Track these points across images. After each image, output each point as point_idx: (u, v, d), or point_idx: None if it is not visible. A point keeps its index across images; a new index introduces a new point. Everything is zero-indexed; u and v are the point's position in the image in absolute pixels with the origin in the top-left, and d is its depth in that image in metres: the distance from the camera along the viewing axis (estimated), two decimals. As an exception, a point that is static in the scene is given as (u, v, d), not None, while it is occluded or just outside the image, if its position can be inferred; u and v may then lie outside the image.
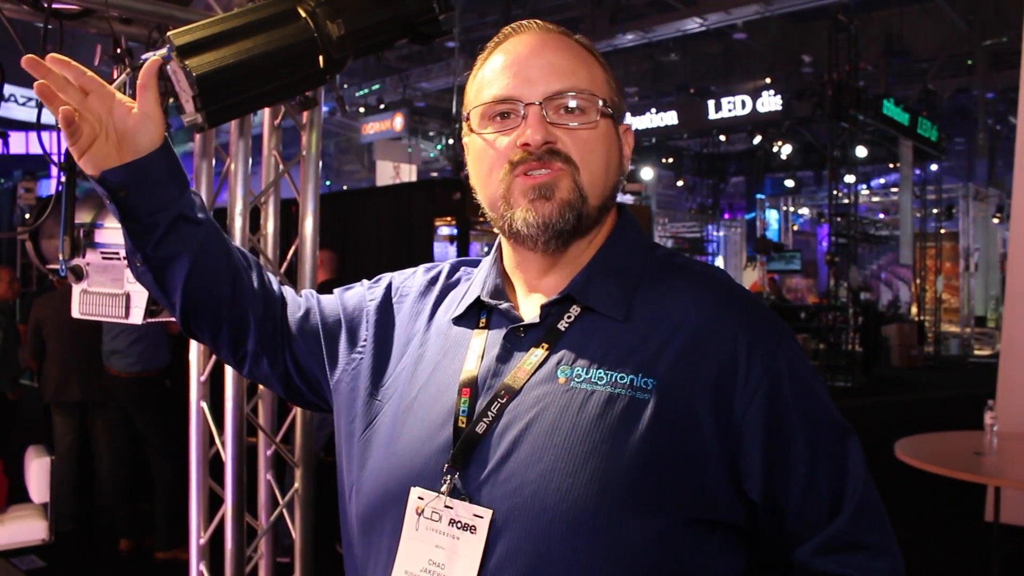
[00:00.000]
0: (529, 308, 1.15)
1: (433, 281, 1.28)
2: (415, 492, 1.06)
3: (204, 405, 2.77)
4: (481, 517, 1.01)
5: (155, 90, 1.15)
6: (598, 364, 1.05)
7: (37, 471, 4.04)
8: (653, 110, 18.56)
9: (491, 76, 1.13)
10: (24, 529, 4.02)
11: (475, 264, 1.28)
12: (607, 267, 1.13)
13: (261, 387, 2.93)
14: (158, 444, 5.10)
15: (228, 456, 2.72)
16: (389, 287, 1.30)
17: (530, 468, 1.00)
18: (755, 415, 1.02)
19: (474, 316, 1.18)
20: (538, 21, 1.17)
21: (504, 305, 1.15)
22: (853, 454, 1.07)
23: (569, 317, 1.10)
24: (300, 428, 2.95)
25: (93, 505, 5.64)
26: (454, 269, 1.29)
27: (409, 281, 1.30)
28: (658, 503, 0.98)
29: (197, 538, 2.79)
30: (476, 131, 1.14)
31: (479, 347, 1.13)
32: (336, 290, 1.34)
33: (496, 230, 1.16)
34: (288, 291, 1.33)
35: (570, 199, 1.08)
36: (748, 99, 16.90)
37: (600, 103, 1.11)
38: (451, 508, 1.03)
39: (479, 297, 1.18)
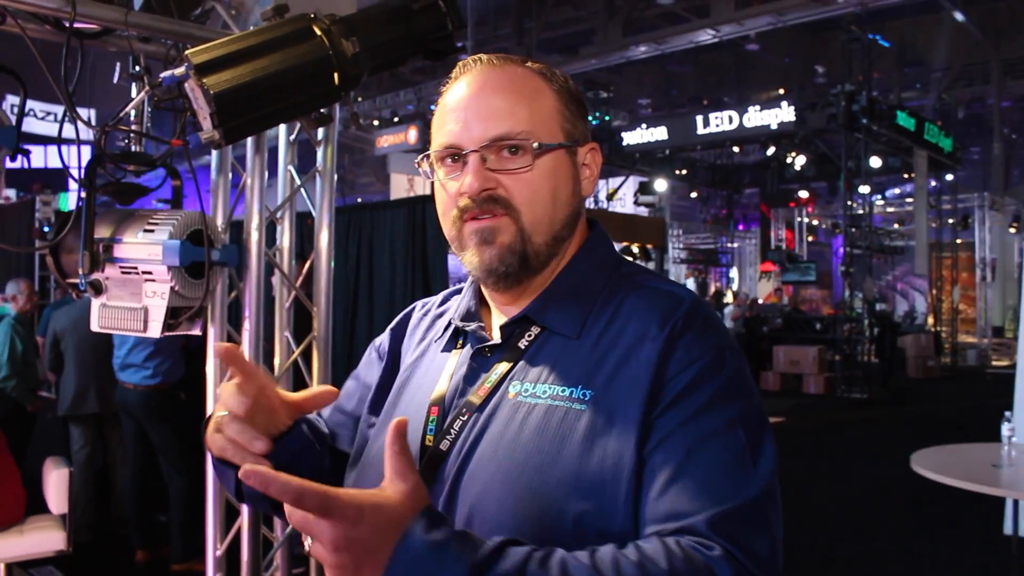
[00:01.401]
0: (498, 328, 1.19)
1: (425, 314, 1.35)
2: None
3: (220, 417, 2.79)
4: None
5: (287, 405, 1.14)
6: (544, 379, 1.08)
7: (56, 482, 4.08)
8: (644, 125, 18.60)
9: (440, 119, 1.17)
10: (43, 540, 4.05)
11: (460, 292, 1.33)
12: (566, 287, 1.16)
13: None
14: (172, 456, 5.13)
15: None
16: (393, 329, 1.37)
17: (476, 481, 1.04)
18: (670, 394, 1.01)
19: (454, 339, 1.23)
20: (484, 56, 1.18)
21: (473, 326, 1.20)
22: (767, 454, 1.02)
23: (530, 335, 1.14)
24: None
25: (110, 516, 5.67)
26: (445, 299, 1.36)
27: (407, 318, 1.38)
28: (590, 510, 0.98)
29: (214, 550, 2.81)
30: (434, 175, 1.18)
31: (451, 368, 1.18)
32: (352, 374, 1.39)
33: None
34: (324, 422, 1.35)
35: (511, 243, 1.11)
36: (735, 114, 16.92)
37: (535, 146, 1.12)
38: None
39: (452, 321, 1.24)
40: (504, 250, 1.11)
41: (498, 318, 1.21)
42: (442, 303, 1.35)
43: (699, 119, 17.32)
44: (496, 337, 1.17)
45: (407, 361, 1.29)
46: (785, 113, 16.32)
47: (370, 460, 1.20)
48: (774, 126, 16.40)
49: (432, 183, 1.21)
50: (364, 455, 1.21)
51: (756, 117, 16.55)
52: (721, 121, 16.96)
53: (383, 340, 1.37)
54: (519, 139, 1.12)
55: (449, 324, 1.26)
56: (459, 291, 1.35)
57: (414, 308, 1.39)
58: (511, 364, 1.12)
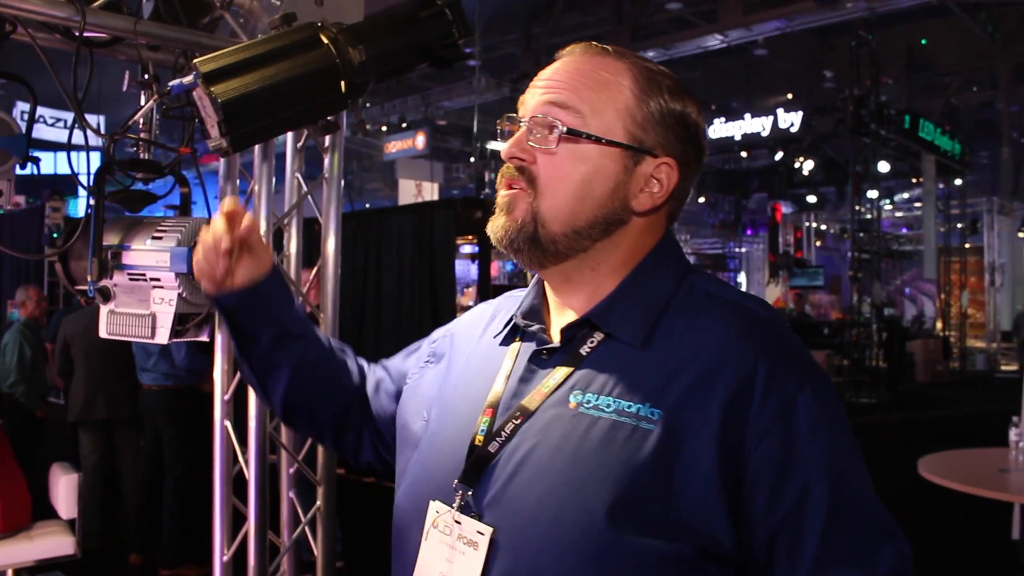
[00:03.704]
0: (558, 330, 1.16)
1: (487, 309, 1.34)
2: (433, 506, 1.10)
3: (228, 423, 2.80)
4: (482, 534, 1.03)
5: (259, 240, 1.30)
6: (608, 391, 1.04)
7: (65, 487, 4.09)
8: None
9: None
10: (51, 545, 4.06)
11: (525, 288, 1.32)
12: (634, 293, 1.11)
13: (284, 405, 2.96)
14: (174, 445, 5.18)
15: (251, 474, 2.74)
16: (456, 322, 1.38)
17: (531, 490, 1.02)
18: (763, 459, 0.98)
19: (512, 336, 1.21)
20: (591, 44, 1.16)
21: (534, 327, 1.16)
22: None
23: (592, 342, 1.10)
24: (322, 447, 2.98)
25: (118, 523, 5.69)
26: (508, 296, 1.34)
27: (471, 315, 1.37)
28: (652, 534, 0.96)
29: (220, 555, 2.82)
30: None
31: (508, 368, 1.16)
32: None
33: None
34: (366, 365, 1.46)
35: (521, 220, 1.11)
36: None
37: (563, 129, 1.09)
38: (459, 523, 1.06)
39: (514, 318, 1.21)
40: (513, 224, 1.11)
41: (558, 317, 1.17)
42: (502, 301, 1.34)
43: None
44: (556, 339, 1.14)
45: (466, 355, 1.27)
46: (748, 125, 17.04)
47: (414, 451, 1.22)
48: (738, 137, 16.66)
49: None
50: (413, 449, 1.22)
51: (721, 129, 16.87)
52: None
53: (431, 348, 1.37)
54: (565, 110, 1.10)
55: (511, 319, 1.23)
56: (520, 288, 1.34)
57: (473, 310, 1.39)
58: (570, 370, 1.09)
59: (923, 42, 18.93)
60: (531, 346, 1.16)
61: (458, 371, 1.24)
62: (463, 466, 1.09)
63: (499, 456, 1.06)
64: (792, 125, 16.50)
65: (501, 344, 1.21)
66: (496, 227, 1.13)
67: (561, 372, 1.09)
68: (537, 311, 1.19)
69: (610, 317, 1.10)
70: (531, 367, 1.13)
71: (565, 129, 1.09)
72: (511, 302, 1.29)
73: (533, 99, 1.13)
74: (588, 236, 1.11)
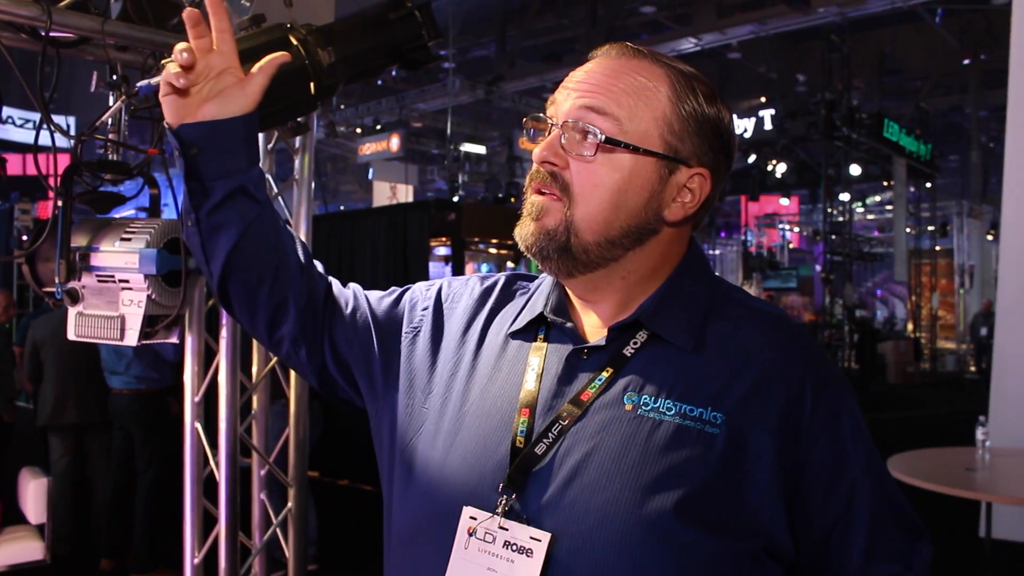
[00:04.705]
0: (590, 328, 1.13)
1: (488, 292, 1.26)
2: (467, 511, 1.04)
3: (198, 426, 2.79)
4: (539, 540, 0.99)
5: (268, 76, 1.15)
6: (666, 394, 1.03)
7: (34, 492, 4.05)
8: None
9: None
10: (20, 550, 4.02)
11: (530, 279, 1.27)
12: (677, 298, 1.10)
13: (255, 407, 2.95)
14: (146, 449, 5.15)
15: (222, 476, 2.74)
16: (440, 290, 1.28)
17: (596, 495, 0.99)
18: (818, 461, 1.03)
19: (532, 331, 1.15)
20: (626, 45, 1.11)
21: (569, 325, 1.13)
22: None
23: (635, 343, 1.08)
24: (293, 449, 2.97)
25: (89, 527, 5.64)
26: (510, 282, 1.27)
27: (462, 288, 1.28)
28: (725, 533, 0.98)
29: (191, 557, 2.80)
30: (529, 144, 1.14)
31: (537, 365, 1.11)
32: (388, 291, 1.33)
33: None
34: (335, 281, 1.31)
35: (553, 228, 1.06)
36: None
37: (601, 137, 1.05)
38: (506, 530, 1.01)
39: (542, 313, 1.15)
40: (543, 232, 1.07)
41: (585, 316, 1.14)
42: (506, 286, 1.26)
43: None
44: (594, 337, 1.11)
45: (470, 341, 1.19)
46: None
47: (422, 447, 1.13)
48: None
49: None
50: (416, 438, 1.14)
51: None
52: None
53: (428, 310, 1.25)
54: (603, 116, 1.05)
55: (521, 313, 1.18)
56: (525, 276, 1.28)
57: (467, 280, 1.29)
58: (614, 370, 1.06)
59: (893, 48, 19.16)
60: (562, 344, 1.12)
61: (464, 363, 1.17)
62: (506, 469, 1.04)
63: (549, 459, 1.03)
64: (746, 131, 16.66)
65: (514, 339, 1.16)
66: (525, 234, 1.08)
67: (606, 373, 1.06)
68: (564, 308, 1.15)
69: (659, 319, 1.08)
70: (569, 366, 1.09)
71: (603, 137, 1.05)
72: (518, 290, 1.25)
73: (566, 101, 1.08)
74: (621, 245, 1.08)
